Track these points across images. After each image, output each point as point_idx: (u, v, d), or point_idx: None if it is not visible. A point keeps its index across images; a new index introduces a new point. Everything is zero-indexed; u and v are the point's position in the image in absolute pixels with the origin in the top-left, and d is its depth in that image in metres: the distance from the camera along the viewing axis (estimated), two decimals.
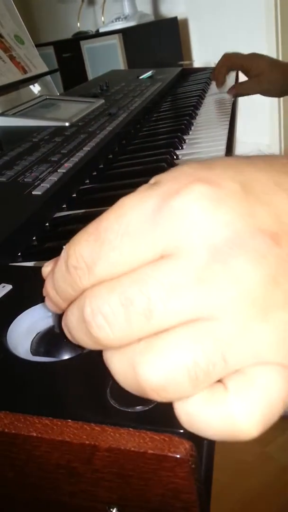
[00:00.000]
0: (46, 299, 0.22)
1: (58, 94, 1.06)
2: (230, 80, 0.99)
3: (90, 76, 2.26)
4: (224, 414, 0.17)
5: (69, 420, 0.21)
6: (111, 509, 0.22)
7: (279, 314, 0.16)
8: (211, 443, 0.26)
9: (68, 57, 2.33)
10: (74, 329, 0.19)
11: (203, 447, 0.24)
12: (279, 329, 0.16)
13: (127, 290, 0.17)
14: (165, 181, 0.19)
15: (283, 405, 0.17)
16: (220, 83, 0.96)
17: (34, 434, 0.21)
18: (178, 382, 0.17)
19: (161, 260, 0.17)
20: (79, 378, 0.23)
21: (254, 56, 0.96)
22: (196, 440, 0.20)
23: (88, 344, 0.19)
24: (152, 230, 0.17)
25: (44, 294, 0.22)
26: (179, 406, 0.18)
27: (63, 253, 0.20)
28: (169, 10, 2.53)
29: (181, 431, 0.20)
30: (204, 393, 0.17)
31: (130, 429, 0.20)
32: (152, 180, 0.20)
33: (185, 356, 0.16)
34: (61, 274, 0.20)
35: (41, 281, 0.33)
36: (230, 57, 0.97)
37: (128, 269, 0.18)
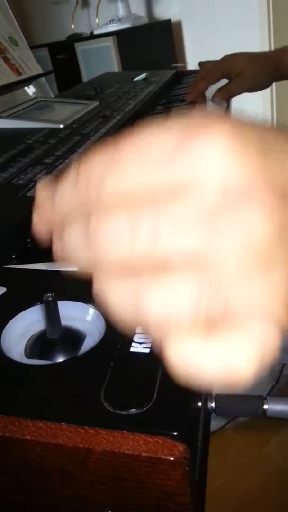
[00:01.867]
0: (38, 216, 0.20)
1: (53, 96, 1.06)
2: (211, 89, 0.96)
3: (85, 78, 2.26)
4: (221, 356, 0.17)
5: (63, 423, 0.21)
6: None
7: (280, 270, 0.17)
8: (205, 446, 0.26)
9: (62, 59, 2.32)
10: (74, 247, 0.18)
11: (197, 449, 0.24)
12: (278, 284, 0.17)
13: (137, 213, 0.17)
14: (190, 120, 0.19)
15: (274, 353, 0.18)
16: (190, 100, 0.93)
17: (28, 438, 0.21)
18: (180, 316, 0.17)
19: (173, 193, 0.17)
20: (73, 381, 0.23)
21: (229, 58, 0.92)
22: (190, 442, 0.20)
23: (83, 263, 0.19)
24: (169, 165, 0.17)
25: (38, 213, 0.20)
26: (175, 348, 0.18)
27: (73, 169, 0.19)
28: (163, 12, 2.54)
29: (175, 433, 0.20)
30: (202, 335, 0.17)
31: (124, 431, 0.20)
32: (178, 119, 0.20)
33: (189, 291, 0.16)
34: (69, 190, 0.19)
35: (34, 285, 0.33)
36: (205, 71, 0.93)
37: (139, 195, 0.17)
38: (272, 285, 0.17)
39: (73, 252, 0.19)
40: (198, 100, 0.93)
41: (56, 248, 0.19)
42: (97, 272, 0.18)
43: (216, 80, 0.93)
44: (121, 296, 0.18)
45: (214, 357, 0.17)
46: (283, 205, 0.17)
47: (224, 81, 0.97)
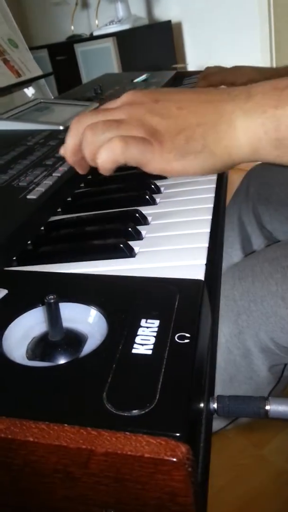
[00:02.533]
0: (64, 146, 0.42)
1: (52, 97, 1.06)
2: None
3: (84, 79, 2.26)
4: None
5: (66, 425, 0.21)
6: None
7: (149, 116, 0.38)
8: (208, 447, 0.26)
9: (62, 60, 2.33)
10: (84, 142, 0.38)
11: (199, 450, 0.24)
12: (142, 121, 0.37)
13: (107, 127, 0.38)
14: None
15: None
16: None
17: (31, 439, 0.21)
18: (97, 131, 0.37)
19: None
20: (75, 383, 0.23)
21: (237, 67, 0.94)
22: (192, 443, 0.21)
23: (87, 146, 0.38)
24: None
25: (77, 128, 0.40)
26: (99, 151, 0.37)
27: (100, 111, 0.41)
28: (162, 13, 2.54)
29: (177, 434, 0.20)
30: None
31: (127, 433, 0.20)
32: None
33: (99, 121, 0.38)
34: (75, 128, 0.41)
35: (36, 287, 0.33)
36: (209, 73, 0.95)
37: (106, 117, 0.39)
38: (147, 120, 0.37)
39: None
40: None
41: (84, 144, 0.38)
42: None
43: (217, 84, 0.93)
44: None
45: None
46: (155, 102, 0.38)
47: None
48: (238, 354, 0.68)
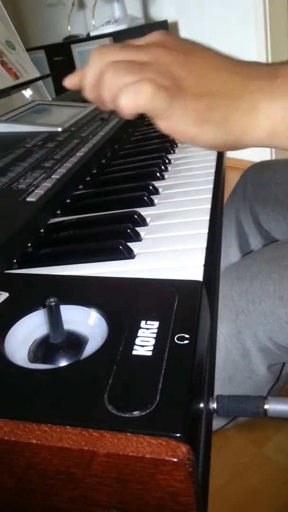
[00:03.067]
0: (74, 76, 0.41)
1: (50, 98, 1.06)
2: None
3: None
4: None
5: (68, 427, 0.21)
6: None
7: (177, 68, 0.35)
8: (208, 447, 0.26)
9: (59, 60, 2.33)
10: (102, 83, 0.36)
11: (200, 450, 0.24)
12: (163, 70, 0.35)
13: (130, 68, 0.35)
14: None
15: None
16: None
17: (34, 441, 0.21)
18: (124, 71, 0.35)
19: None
20: (77, 385, 0.24)
21: None
22: (193, 443, 0.21)
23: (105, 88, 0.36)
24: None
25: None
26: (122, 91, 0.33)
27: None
28: (159, 13, 2.54)
29: (178, 434, 0.21)
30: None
31: (128, 434, 0.21)
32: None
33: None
34: (93, 61, 0.38)
35: (36, 289, 0.33)
36: None
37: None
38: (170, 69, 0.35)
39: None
40: None
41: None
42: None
43: None
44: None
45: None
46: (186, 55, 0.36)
47: None
48: (237, 353, 0.68)
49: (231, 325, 0.66)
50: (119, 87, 0.34)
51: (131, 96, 0.33)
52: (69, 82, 0.41)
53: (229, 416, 0.86)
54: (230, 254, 0.93)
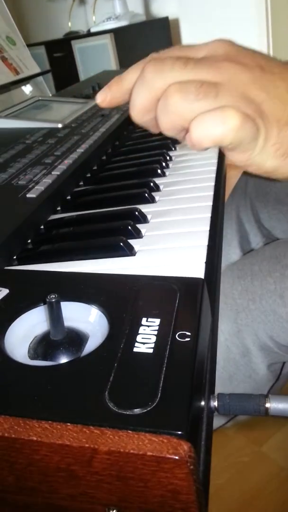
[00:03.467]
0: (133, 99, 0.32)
1: (50, 94, 1.05)
2: None
3: (82, 75, 2.25)
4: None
5: (69, 424, 0.21)
6: (111, 511, 0.22)
7: (255, 89, 0.29)
8: (209, 445, 0.26)
9: (59, 57, 2.32)
10: (162, 108, 0.30)
11: (201, 448, 0.24)
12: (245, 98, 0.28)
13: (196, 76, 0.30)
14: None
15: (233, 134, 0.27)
16: None
17: (34, 438, 0.21)
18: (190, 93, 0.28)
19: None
20: (77, 382, 0.24)
21: None
22: (194, 441, 0.21)
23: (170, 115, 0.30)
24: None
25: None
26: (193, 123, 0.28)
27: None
28: (160, 9, 2.53)
29: (179, 432, 0.20)
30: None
31: (129, 431, 0.21)
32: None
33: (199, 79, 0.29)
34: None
35: (37, 286, 0.33)
36: None
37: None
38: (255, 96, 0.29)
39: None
40: None
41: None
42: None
43: None
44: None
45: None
46: (262, 70, 0.30)
47: None
48: (237, 352, 0.68)
49: (232, 323, 0.66)
50: (190, 115, 0.28)
51: (211, 127, 0.27)
52: (103, 98, 0.34)
53: (229, 415, 0.86)
54: (230, 252, 0.93)
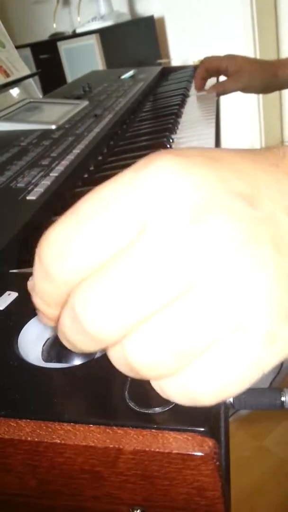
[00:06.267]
0: (38, 313, 0.21)
1: (41, 96, 1.05)
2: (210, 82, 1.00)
3: (69, 77, 2.25)
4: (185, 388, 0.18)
5: (91, 425, 0.21)
6: (135, 511, 0.22)
7: (261, 277, 0.16)
8: (227, 440, 0.26)
9: (45, 58, 2.31)
10: (69, 332, 0.18)
11: (222, 444, 0.24)
12: (260, 294, 0.16)
13: (113, 280, 0.16)
14: (137, 163, 0.19)
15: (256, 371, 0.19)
16: (199, 87, 0.97)
17: (58, 441, 0.21)
18: (163, 362, 0.17)
19: (140, 237, 0.16)
20: (96, 383, 0.23)
21: (231, 55, 0.97)
22: (217, 437, 0.21)
23: (87, 344, 0.18)
24: (127, 198, 0.17)
25: (36, 307, 0.21)
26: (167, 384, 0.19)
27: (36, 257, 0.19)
28: (145, 8, 2.53)
29: (203, 429, 0.20)
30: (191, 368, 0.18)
31: (153, 430, 0.21)
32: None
33: (169, 338, 0.16)
34: (38, 275, 0.19)
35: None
36: (207, 60, 0.98)
37: (109, 251, 0.17)
38: (255, 295, 0.16)
39: (71, 337, 0.19)
40: (197, 82, 0.97)
41: (60, 338, 0.20)
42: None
43: (213, 68, 0.96)
44: (114, 355, 0.19)
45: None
46: (251, 205, 0.16)
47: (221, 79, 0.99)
48: None
49: None
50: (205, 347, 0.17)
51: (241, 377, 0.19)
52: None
53: (246, 409, 0.86)
54: None
